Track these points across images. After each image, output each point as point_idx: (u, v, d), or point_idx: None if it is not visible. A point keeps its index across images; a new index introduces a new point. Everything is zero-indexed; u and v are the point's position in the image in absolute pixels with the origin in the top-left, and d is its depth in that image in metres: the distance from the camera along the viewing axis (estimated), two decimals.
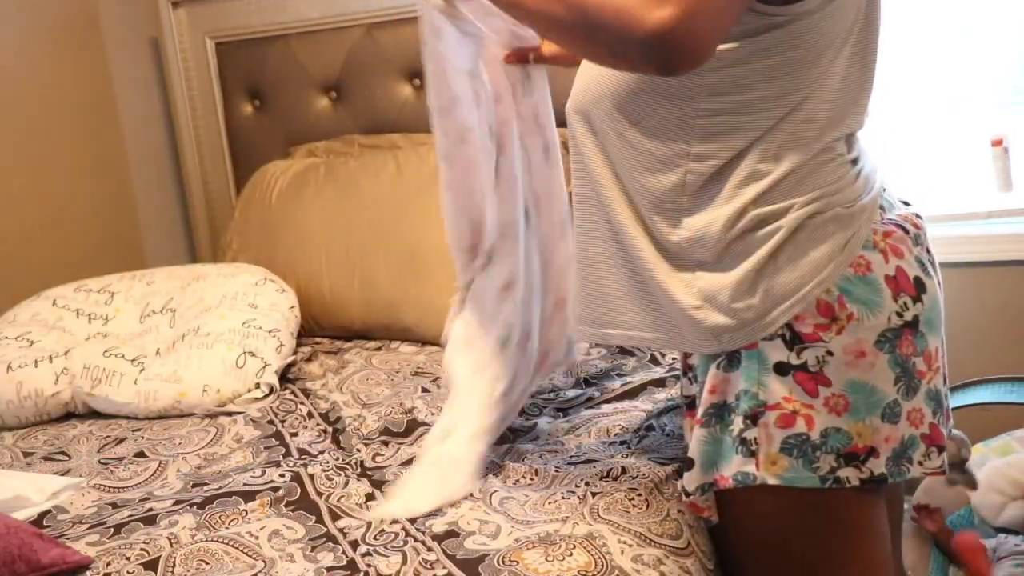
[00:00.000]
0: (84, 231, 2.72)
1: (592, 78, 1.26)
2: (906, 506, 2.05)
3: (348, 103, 2.58)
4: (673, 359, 1.83)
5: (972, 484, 1.93)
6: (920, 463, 1.22)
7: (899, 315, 1.18)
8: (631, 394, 1.71)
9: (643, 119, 1.20)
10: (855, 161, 1.23)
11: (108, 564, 1.28)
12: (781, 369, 1.18)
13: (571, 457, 1.47)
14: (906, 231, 1.23)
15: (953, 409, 2.03)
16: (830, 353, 1.17)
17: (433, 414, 1.71)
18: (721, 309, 1.19)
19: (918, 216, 1.28)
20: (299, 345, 2.20)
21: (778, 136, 1.17)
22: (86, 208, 2.74)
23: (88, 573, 1.27)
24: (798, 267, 1.17)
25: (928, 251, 1.26)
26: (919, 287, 1.20)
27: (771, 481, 1.20)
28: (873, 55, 1.23)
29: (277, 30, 2.60)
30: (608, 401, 1.69)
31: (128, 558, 1.29)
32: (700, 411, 1.25)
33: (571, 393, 1.74)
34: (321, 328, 2.32)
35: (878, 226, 1.21)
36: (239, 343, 1.99)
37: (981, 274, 2.26)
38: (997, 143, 2.30)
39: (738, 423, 1.21)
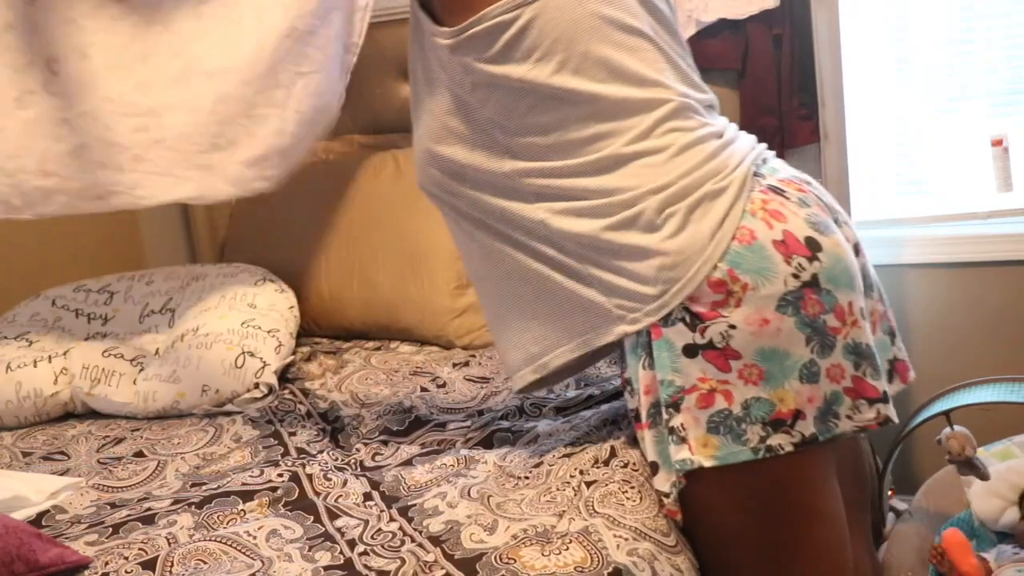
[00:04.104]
0: (84, 231, 2.71)
1: (417, 153, 1.37)
2: (906, 506, 2.05)
3: (348, 103, 2.55)
4: None
5: (983, 475, 1.92)
6: (849, 416, 1.23)
7: (796, 277, 1.20)
8: None
9: (469, 178, 1.30)
10: (704, 138, 1.25)
11: (106, 564, 1.28)
12: (689, 351, 1.20)
13: (566, 447, 1.48)
14: (786, 196, 1.25)
15: (954, 409, 2.04)
16: (732, 326, 1.19)
17: (432, 414, 1.72)
18: (621, 295, 1.25)
19: (806, 181, 1.31)
20: (298, 345, 2.20)
21: (598, 145, 1.23)
22: None
23: (87, 573, 1.27)
24: (682, 249, 1.20)
25: (829, 209, 1.28)
26: (812, 246, 1.22)
27: (707, 463, 1.22)
28: (634, 40, 1.25)
29: None
30: (607, 400, 1.69)
31: (126, 558, 1.29)
32: (643, 414, 1.28)
33: (570, 393, 1.74)
34: (320, 328, 2.32)
35: (755, 195, 1.23)
36: (238, 343, 1.98)
37: (981, 274, 2.26)
38: (997, 143, 2.30)
39: (665, 414, 1.24)
